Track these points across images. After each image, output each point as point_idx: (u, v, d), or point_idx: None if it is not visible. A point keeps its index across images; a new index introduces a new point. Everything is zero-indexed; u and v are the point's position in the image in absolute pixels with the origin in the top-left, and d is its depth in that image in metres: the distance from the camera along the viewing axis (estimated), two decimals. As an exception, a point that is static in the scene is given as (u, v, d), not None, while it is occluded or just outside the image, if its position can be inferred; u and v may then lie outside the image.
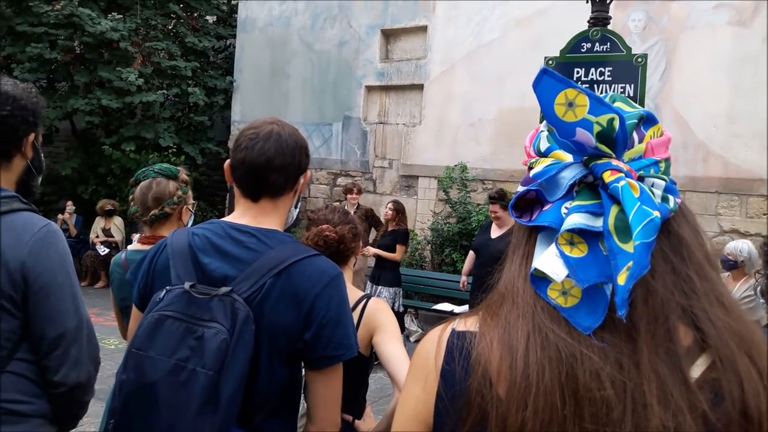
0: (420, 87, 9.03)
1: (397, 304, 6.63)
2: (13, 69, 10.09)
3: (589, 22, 4.63)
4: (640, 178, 0.78)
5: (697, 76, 6.96)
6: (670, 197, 0.80)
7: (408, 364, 1.78)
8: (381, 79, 9.42)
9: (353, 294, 1.93)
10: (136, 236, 2.50)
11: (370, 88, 9.57)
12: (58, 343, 1.53)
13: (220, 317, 1.27)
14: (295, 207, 1.59)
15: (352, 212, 7.46)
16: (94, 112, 10.07)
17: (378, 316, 1.96)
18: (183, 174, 2.38)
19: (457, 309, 7.19)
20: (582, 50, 4.57)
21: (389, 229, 6.70)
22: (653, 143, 0.81)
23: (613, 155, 0.77)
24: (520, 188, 0.84)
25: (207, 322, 1.27)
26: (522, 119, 7.20)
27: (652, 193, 0.77)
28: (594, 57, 4.52)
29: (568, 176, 0.79)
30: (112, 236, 9.98)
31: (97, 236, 10.00)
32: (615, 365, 0.71)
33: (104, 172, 10.56)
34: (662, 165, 0.81)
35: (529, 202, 0.84)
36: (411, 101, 9.22)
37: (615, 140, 0.75)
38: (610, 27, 4.65)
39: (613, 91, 4.33)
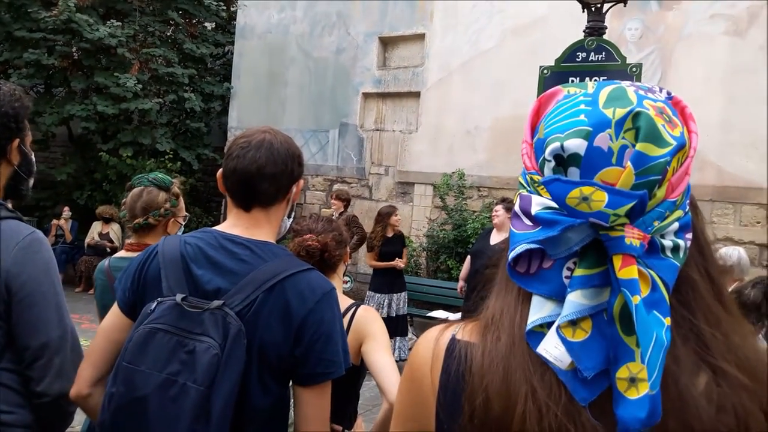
0: (417, 94, 9.04)
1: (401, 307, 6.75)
2: (11, 74, 10.08)
3: (584, 31, 4.65)
4: (652, 242, 0.69)
5: (692, 86, 6.98)
6: (681, 244, 0.71)
7: (396, 374, 1.78)
8: (378, 86, 9.42)
9: (342, 302, 1.92)
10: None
11: (367, 95, 9.57)
12: (41, 353, 1.50)
13: (211, 331, 1.25)
14: (289, 216, 1.56)
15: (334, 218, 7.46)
16: (91, 117, 10.05)
17: (367, 325, 1.96)
18: (176, 186, 2.36)
19: (452, 316, 7.19)
20: (577, 59, 4.59)
21: (389, 235, 6.72)
22: (674, 180, 0.69)
23: (628, 222, 0.68)
24: (517, 227, 0.74)
25: (198, 336, 1.25)
26: (518, 127, 7.06)
27: (663, 251, 0.70)
28: (589, 66, 4.54)
29: (575, 239, 0.69)
30: (112, 241, 9.98)
31: (93, 239, 10.02)
32: None
33: (100, 177, 10.52)
34: (679, 199, 0.71)
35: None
36: (408, 108, 9.23)
37: (631, 214, 0.67)
38: (606, 36, 4.66)
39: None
